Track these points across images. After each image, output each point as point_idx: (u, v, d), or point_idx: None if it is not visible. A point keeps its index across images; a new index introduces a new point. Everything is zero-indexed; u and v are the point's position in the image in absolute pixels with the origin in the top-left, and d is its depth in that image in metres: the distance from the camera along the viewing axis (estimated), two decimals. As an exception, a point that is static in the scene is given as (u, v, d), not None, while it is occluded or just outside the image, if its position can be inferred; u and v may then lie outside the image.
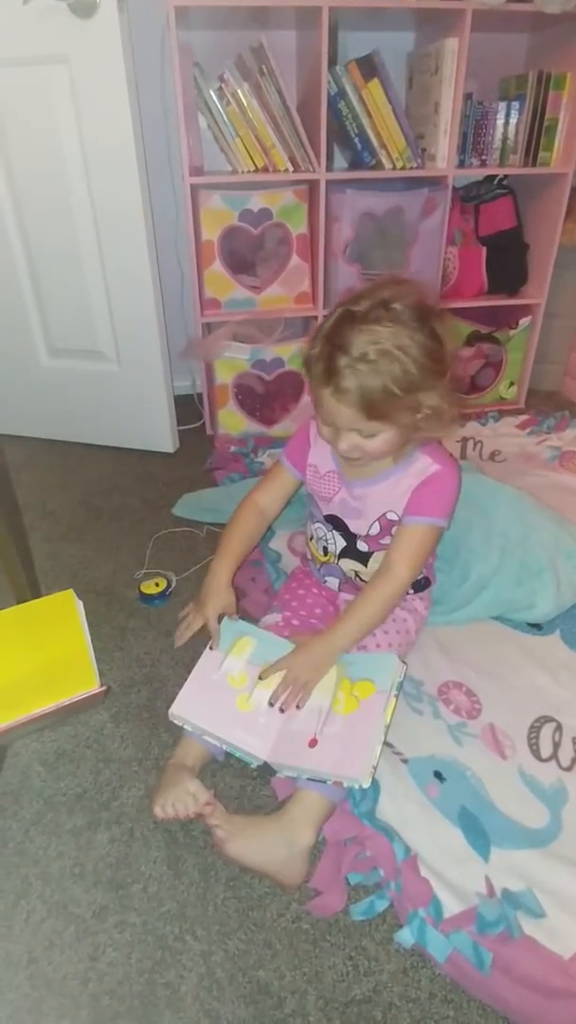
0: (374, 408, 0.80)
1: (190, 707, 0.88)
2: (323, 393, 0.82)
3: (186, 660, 1.08)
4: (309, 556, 1.12)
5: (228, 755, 0.91)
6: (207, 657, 0.95)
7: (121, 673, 1.10)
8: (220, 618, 0.98)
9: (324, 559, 1.06)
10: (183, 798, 0.81)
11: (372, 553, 1.00)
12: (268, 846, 0.78)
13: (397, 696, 0.86)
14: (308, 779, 0.82)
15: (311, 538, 1.09)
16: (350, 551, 1.02)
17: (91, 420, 1.83)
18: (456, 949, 0.71)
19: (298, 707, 0.89)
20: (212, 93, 1.52)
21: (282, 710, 0.89)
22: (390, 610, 0.97)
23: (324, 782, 0.80)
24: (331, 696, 0.89)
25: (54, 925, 0.76)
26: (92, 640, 1.05)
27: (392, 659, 0.90)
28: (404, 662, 0.91)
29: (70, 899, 0.79)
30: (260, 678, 0.92)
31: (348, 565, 1.04)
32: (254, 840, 0.78)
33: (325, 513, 1.02)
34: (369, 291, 0.82)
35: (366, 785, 0.78)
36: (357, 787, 0.78)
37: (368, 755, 0.80)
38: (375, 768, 0.79)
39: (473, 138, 1.69)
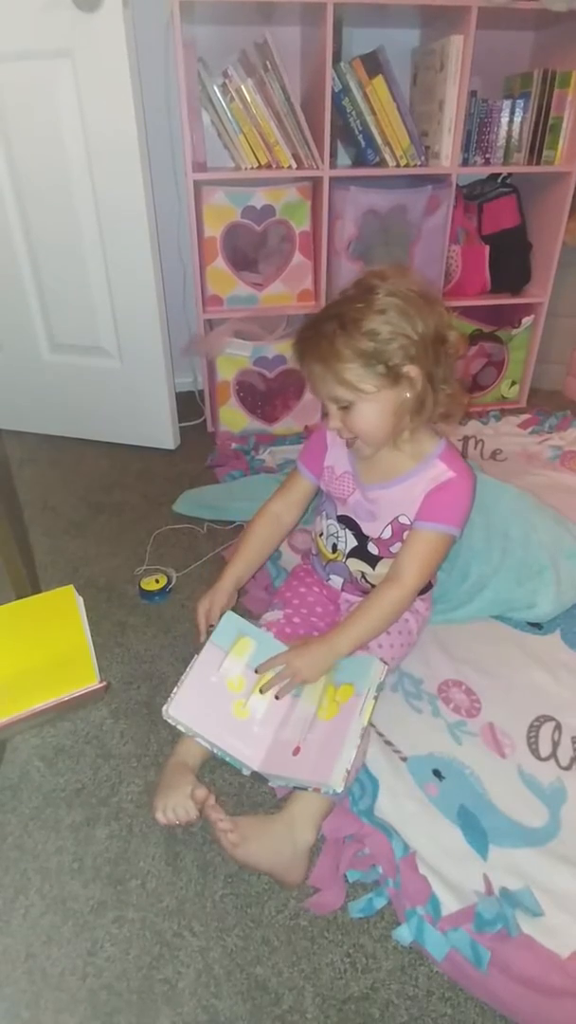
0: (328, 362, 0.82)
1: (186, 709, 0.87)
2: (310, 367, 0.85)
3: (186, 656, 1.08)
4: (315, 552, 1.12)
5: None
6: (206, 656, 0.94)
7: (121, 669, 1.10)
8: (211, 616, 1.00)
9: (332, 556, 1.06)
10: (184, 803, 0.81)
11: (381, 558, 1.00)
12: (275, 847, 0.77)
13: (376, 698, 0.85)
14: (296, 788, 0.81)
15: (320, 534, 1.08)
16: (360, 552, 1.02)
17: (92, 416, 1.82)
18: (454, 947, 0.71)
19: (276, 697, 0.90)
20: (216, 89, 1.52)
21: (277, 697, 0.90)
22: (396, 617, 0.96)
23: (306, 789, 0.79)
24: (316, 703, 0.89)
25: (52, 920, 0.76)
26: (92, 636, 1.05)
27: (372, 661, 0.89)
28: (384, 662, 0.90)
29: (69, 894, 0.79)
30: (257, 680, 0.92)
31: (356, 565, 1.03)
32: (263, 842, 0.77)
33: (339, 513, 1.02)
34: (360, 279, 0.87)
35: (339, 790, 0.76)
36: (331, 793, 0.76)
37: (341, 760, 0.78)
38: (349, 772, 0.77)
39: (477, 136, 1.69)
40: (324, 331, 0.82)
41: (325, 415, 0.91)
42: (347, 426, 0.88)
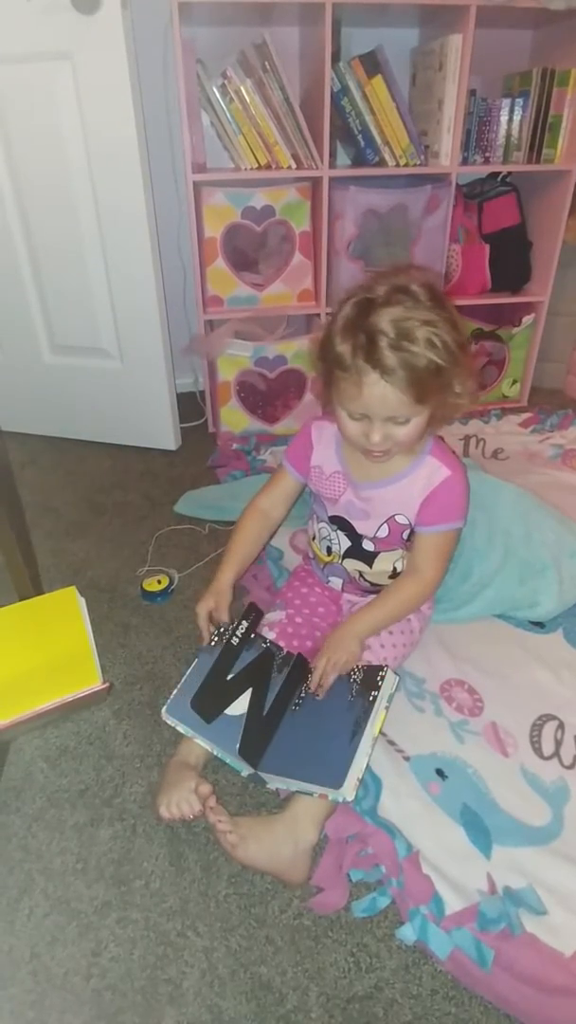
0: (422, 387, 0.79)
1: (183, 712, 0.88)
2: (368, 380, 0.79)
3: (188, 657, 1.09)
4: (312, 556, 1.12)
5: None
6: (201, 661, 0.95)
7: (123, 670, 1.10)
8: (213, 617, 0.99)
9: (328, 559, 1.06)
10: (187, 798, 0.81)
11: (378, 553, 1.00)
12: (275, 847, 0.78)
13: (387, 708, 0.85)
14: (296, 791, 0.81)
15: (314, 538, 1.08)
16: (355, 551, 1.02)
17: (93, 417, 1.83)
18: (458, 946, 0.71)
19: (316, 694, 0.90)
20: (215, 90, 1.52)
21: (317, 695, 0.90)
22: (414, 608, 0.99)
23: (311, 795, 0.79)
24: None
25: (56, 920, 0.77)
26: (94, 637, 1.05)
27: (385, 671, 0.89)
28: (397, 674, 0.90)
29: (73, 895, 0.79)
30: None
31: (352, 565, 1.03)
32: (263, 842, 0.77)
33: (330, 514, 1.02)
34: (378, 280, 0.82)
35: (350, 799, 0.77)
36: (342, 800, 0.77)
37: (353, 768, 0.78)
38: (360, 781, 0.78)
39: (477, 135, 1.68)
40: (417, 355, 0.77)
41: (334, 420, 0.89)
42: (393, 437, 0.85)
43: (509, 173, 1.81)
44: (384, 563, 1.00)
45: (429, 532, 0.95)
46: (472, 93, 1.62)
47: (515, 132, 1.69)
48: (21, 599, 1.12)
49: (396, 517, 0.96)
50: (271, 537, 1.10)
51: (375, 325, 0.77)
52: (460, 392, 0.85)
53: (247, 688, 0.91)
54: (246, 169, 1.60)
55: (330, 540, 1.04)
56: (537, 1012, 0.67)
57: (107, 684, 0.97)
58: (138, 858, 0.83)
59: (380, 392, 0.80)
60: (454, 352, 0.80)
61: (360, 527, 0.99)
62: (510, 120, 1.68)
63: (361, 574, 1.03)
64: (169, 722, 0.88)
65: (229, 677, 0.92)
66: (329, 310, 1.77)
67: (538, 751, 0.93)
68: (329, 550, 1.05)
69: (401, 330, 0.77)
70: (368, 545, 1.00)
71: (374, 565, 1.01)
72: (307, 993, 0.70)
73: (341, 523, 1.01)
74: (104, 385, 1.76)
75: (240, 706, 0.89)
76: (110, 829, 0.86)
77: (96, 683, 0.97)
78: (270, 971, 0.72)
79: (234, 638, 0.96)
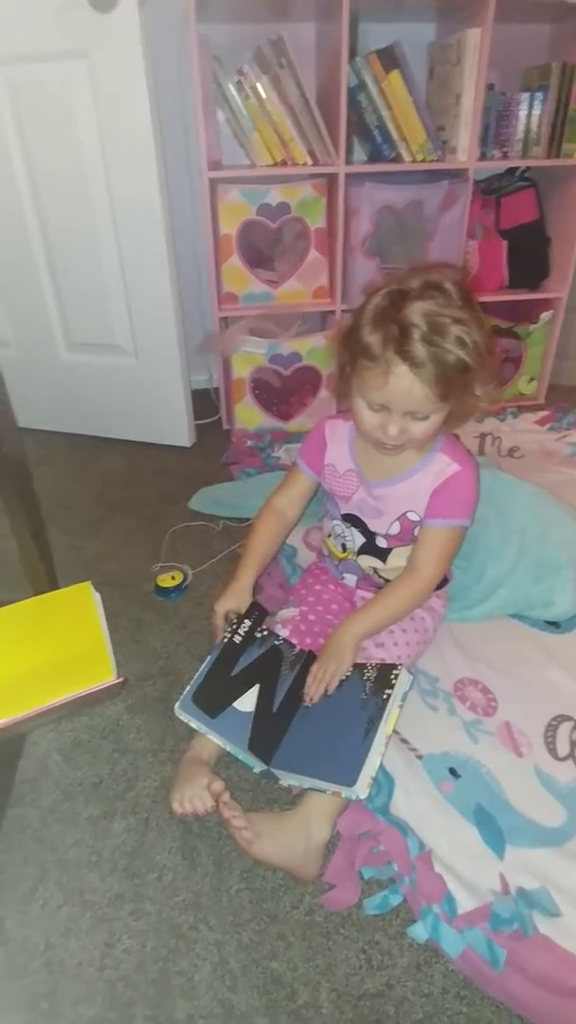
0: (448, 384, 0.79)
1: (194, 707, 0.89)
2: (397, 371, 0.78)
3: (202, 653, 1.09)
4: (326, 553, 1.12)
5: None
6: (213, 658, 0.95)
7: (137, 665, 1.11)
8: (228, 616, 0.99)
9: (342, 556, 1.06)
10: (200, 794, 0.82)
11: (392, 549, 1.00)
12: (288, 843, 0.78)
13: (401, 707, 0.85)
14: (308, 788, 0.81)
15: (328, 535, 1.08)
16: (369, 548, 1.01)
17: (108, 414, 1.84)
18: (470, 946, 0.70)
19: (327, 693, 0.89)
20: (231, 86, 1.52)
21: (327, 693, 0.89)
22: (413, 607, 0.97)
23: (323, 792, 0.79)
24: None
25: (70, 912, 0.77)
26: (108, 632, 1.06)
27: (399, 669, 0.89)
28: (410, 672, 0.89)
29: (86, 886, 0.80)
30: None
31: (367, 562, 1.03)
32: (276, 839, 0.78)
33: (343, 512, 1.01)
34: (411, 274, 0.81)
35: (363, 797, 0.77)
36: (354, 799, 0.77)
37: (367, 767, 0.78)
38: (373, 779, 0.78)
39: (495, 130, 1.67)
40: (448, 352, 0.77)
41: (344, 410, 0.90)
42: (409, 432, 0.85)
43: (527, 168, 1.79)
44: (398, 559, 1.00)
45: (433, 526, 0.94)
46: (490, 87, 1.61)
47: (534, 127, 1.67)
48: (37, 594, 1.13)
49: (408, 514, 0.95)
50: (287, 536, 1.10)
51: (408, 317, 0.77)
52: (480, 395, 0.84)
53: (254, 684, 0.91)
54: (261, 166, 1.60)
55: (344, 537, 1.04)
56: (549, 1013, 0.66)
57: (122, 679, 0.98)
58: (151, 851, 0.83)
59: (407, 385, 0.79)
60: (482, 353, 0.79)
61: (373, 524, 0.99)
62: (529, 114, 1.66)
63: (375, 570, 1.03)
64: (182, 718, 0.89)
65: (233, 673, 0.92)
66: (345, 307, 1.77)
67: (553, 752, 0.92)
68: (344, 547, 1.05)
69: (434, 325, 0.76)
70: (382, 542, 0.99)
71: (388, 561, 1.01)
72: (318, 989, 0.70)
73: (354, 520, 1.01)
74: (119, 382, 1.77)
75: (249, 702, 0.90)
76: (123, 822, 0.87)
77: (110, 678, 0.98)
78: (281, 966, 0.72)
79: (236, 636, 0.96)
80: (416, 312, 0.77)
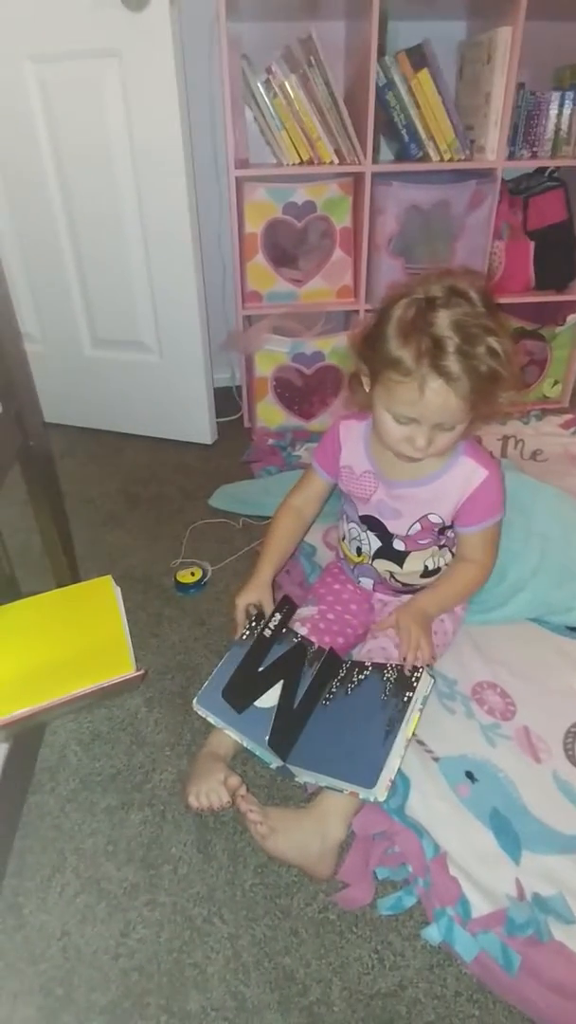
0: (480, 395, 0.79)
1: (215, 701, 0.89)
2: (431, 387, 0.77)
3: (220, 649, 1.10)
4: (342, 556, 1.12)
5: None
6: (233, 653, 0.96)
7: (155, 659, 1.12)
8: (249, 611, 0.99)
9: (357, 560, 1.06)
10: (217, 789, 0.82)
11: (409, 553, 0.99)
12: (304, 841, 0.78)
13: (422, 710, 0.84)
14: (325, 787, 0.81)
15: (343, 538, 1.08)
16: (385, 551, 1.01)
17: (132, 410, 1.86)
18: (484, 949, 0.70)
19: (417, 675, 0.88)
20: (259, 85, 1.52)
21: (412, 670, 0.87)
22: (475, 591, 1.02)
23: (340, 792, 0.79)
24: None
25: (87, 900, 0.79)
26: (128, 626, 1.07)
27: (420, 673, 0.88)
28: (432, 676, 0.88)
29: (103, 875, 0.81)
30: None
31: (383, 566, 1.03)
32: (292, 836, 0.78)
33: (361, 514, 1.01)
34: (432, 279, 0.80)
35: (381, 800, 0.76)
36: (372, 800, 0.77)
37: (386, 769, 0.78)
38: (392, 782, 0.77)
39: (524, 129, 1.65)
40: (481, 363, 0.76)
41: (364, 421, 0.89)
42: (434, 442, 0.84)
43: (557, 168, 1.76)
44: (414, 563, 1.00)
45: (475, 531, 0.97)
46: (520, 86, 1.59)
47: (564, 126, 1.65)
48: (59, 586, 1.15)
49: (429, 516, 0.95)
50: (305, 534, 1.11)
51: (440, 330, 0.75)
52: (502, 401, 0.83)
53: (278, 681, 0.91)
54: (288, 164, 1.60)
55: (360, 540, 1.03)
56: (563, 1019, 0.66)
57: (142, 672, 0.99)
58: (167, 843, 0.84)
59: (442, 399, 0.78)
60: (512, 364, 0.78)
61: (392, 526, 0.98)
62: (559, 114, 1.63)
63: (392, 575, 1.03)
64: (200, 713, 0.89)
65: (260, 669, 0.93)
66: (368, 307, 1.76)
67: (572, 758, 0.91)
68: (359, 551, 1.05)
69: (466, 336, 0.75)
70: (399, 544, 0.99)
71: (404, 565, 1.01)
72: (330, 986, 0.71)
73: (372, 523, 1.00)
74: (143, 379, 1.78)
75: (271, 698, 0.90)
76: (140, 814, 0.88)
77: (130, 670, 0.98)
78: (294, 962, 0.73)
79: (267, 630, 0.96)
80: (446, 323, 0.75)
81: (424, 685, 0.86)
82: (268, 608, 1.00)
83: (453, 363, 0.75)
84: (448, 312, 0.76)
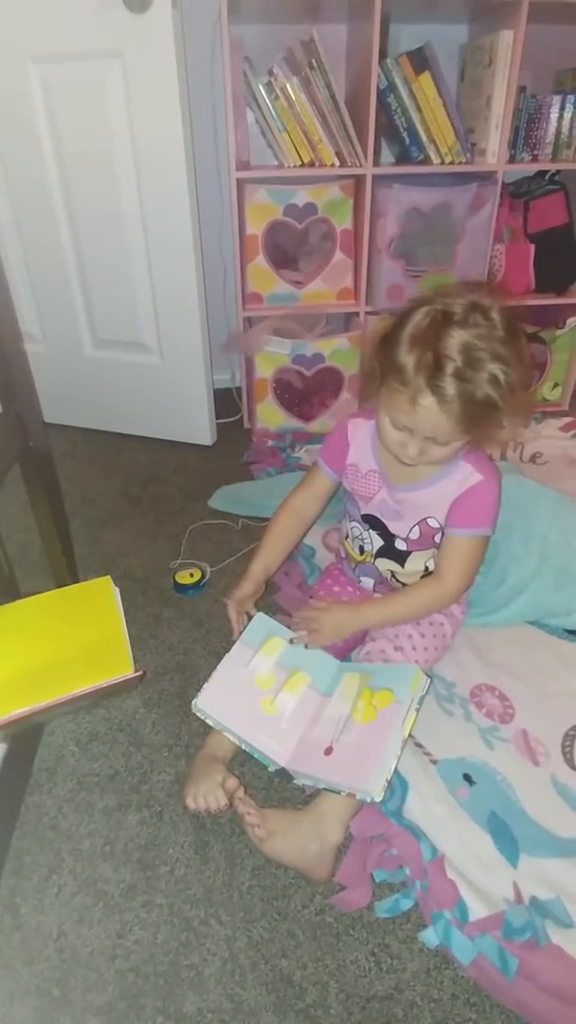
0: (474, 420, 0.78)
1: (214, 702, 0.89)
2: (424, 402, 0.77)
3: (219, 650, 1.10)
4: (344, 555, 1.12)
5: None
6: (235, 652, 0.95)
7: (154, 660, 1.12)
8: (240, 613, 1.00)
9: (360, 558, 1.06)
10: (214, 791, 0.82)
11: (410, 553, 0.99)
12: (302, 844, 0.78)
13: (418, 710, 0.84)
14: (323, 789, 0.81)
15: (346, 537, 1.08)
16: (387, 551, 1.01)
17: (131, 411, 1.86)
18: (481, 953, 0.70)
19: (305, 647, 0.93)
20: (261, 87, 1.53)
21: (291, 642, 0.93)
22: (430, 612, 0.98)
23: (338, 793, 0.79)
24: (351, 705, 0.88)
25: (84, 901, 0.78)
26: (127, 627, 1.07)
27: (416, 672, 0.88)
28: (428, 676, 0.89)
29: (100, 876, 0.81)
30: (287, 678, 0.92)
31: (384, 565, 1.03)
32: (290, 838, 0.78)
33: (363, 512, 1.01)
34: (456, 293, 0.78)
35: (378, 800, 0.76)
36: (369, 800, 0.77)
37: (382, 769, 0.78)
38: (388, 782, 0.77)
39: (525, 132, 1.65)
40: (478, 389, 0.75)
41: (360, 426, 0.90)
42: (428, 454, 0.84)
43: (558, 171, 1.77)
44: (416, 563, 1.00)
45: (456, 535, 0.94)
46: (522, 90, 1.59)
47: (565, 129, 1.65)
48: (58, 586, 1.14)
49: (428, 520, 0.95)
50: (305, 534, 1.10)
51: (445, 348, 0.74)
52: (506, 427, 0.83)
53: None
54: (289, 166, 1.60)
55: (362, 539, 1.03)
56: (560, 1023, 0.66)
57: (140, 672, 0.98)
58: (164, 845, 0.84)
59: (433, 416, 0.78)
60: (515, 392, 0.77)
61: (393, 527, 0.98)
62: (560, 117, 1.64)
63: (393, 574, 1.03)
64: (199, 715, 0.89)
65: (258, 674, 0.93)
66: (369, 309, 1.76)
67: (570, 762, 0.91)
68: (361, 549, 1.05)
69: (470, 359, 0.74)
70: (401, 545, 0.99)
71: (406, 565, 1.01)
72: (327, 989, 0.70)
73: (373, 522, 1.00)
74: (143, 379, 1.79)
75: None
76: (137, 815, 0.88)
77: (129, 671, 0.98)
78: (291, 964, 0.72)
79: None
80: (455, 342, 0.74)
81: (420, 686, 0.86)
82: (249, 602, 1.00)
83: (448, 384, 0.75)
84: (461, 331, 0.75)
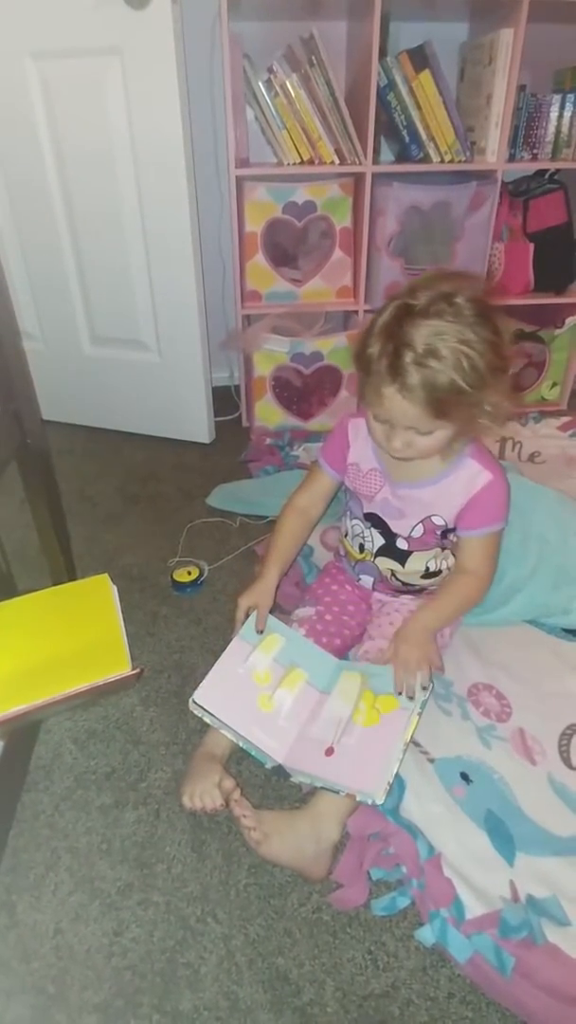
0: (440, 405, 0.78)
1: (212, 697, 0.88)
2: (387, 391, 0.78)
3: (216, 648, 1.09)
4: (343, 553, 1.12)
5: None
6: (233, 649, 0.95)
7: (151, 658, 1.12)
8: (249, 612, 0.99)
9: (360, 557, 1.06)
10: (211, 791, 0.82)
11: (411, 552, 0.99)
12: (298, 843, 0.78)
13: (420, 714, 0.84)
14: (321, 787, 0.81)
15: (346, 535, 1.08)
16: (388, 550, 1.01)
17: (130, 409, 1.85)
18: (478, 951, 0.70)
19: (424, 688, 0.86)
20: (261, 84, 1.52)
21: (410, 697, 0.86)
22: (474, 605, 0.99)
23: (337, 793, 0.79)
24: (352, 706, 0.88)
25: (80, 898, 0.78)
26: (124, 625, 1.06)
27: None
28: (431, 681, 0.88)
29: (97, 874, 0.81)
30: (284, 675, 0.92)
31: (385, 564, 1.03)
32: (286, 839, 0.78)
33: (366, 511, 1.01)
34: (426, 284, 0.79)
35: (380, 802, 0.76)
36: (371, 803, 0.77)
37: (385, 772, 0.78)
38: (390, 785, 0.78)
39: (525, 131, 1.65)
40: (440, 374, 0.75)
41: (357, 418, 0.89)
42: (414, 445, 0.85)
43: (557, 171, 1.76)
44: (416, 563, 1.00)
45: (475, 536, 0.95)
46: (522, 88, 1.59)
47: (565, 128, 1.65)
48: (55, 584, 1.14)
49: (432, 518, 0.95)
50: (310, 535, 1.10)
51: (405, 336, 0.76)
52: (491, 411, 0.83)
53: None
54: (289, 164, 1.60)
55: (363, 537, 1.03)
56: (556, 1022, 0.66)
57: (138, 670, 0.98)
58: (161, 843, 0.84)
59: (399, 405, 0.79)
60: (483, 375, 0.77)
61: (395, 526, 0.98)
62: (560, 116, 1.63)
63: (393, 573, 1.02)
64: (196, 712, 0.89)
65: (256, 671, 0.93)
66: (368, 307, 1.76)
67: (567, 761, 0.91)
68: (362, 547, 1.04)
69: (429, 347, 0.75)
70: (402, 544, 0.99)
71: (407, 564, 1.00)
72: (323, 987, 0.71)
73: (375, 520, 1.00)
74: (141, 377, 1.78)
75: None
76: (134, 813, 0.88)
77: (126, 669, 0.98)
78: (287, 962, 0.73)
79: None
80: (417, 331, 0.75)
81: (423, 691, 0.86)
82: (264, 612, 0.98)
83: (407, 372, 0.76)
84: (423, 320, 0.75)
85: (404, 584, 1.03)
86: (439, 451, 0.89)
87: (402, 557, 1.00)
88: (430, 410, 0.78)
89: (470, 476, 0.92)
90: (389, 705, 0.86)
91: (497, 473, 0.92)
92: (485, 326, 0.77)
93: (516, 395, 0.87)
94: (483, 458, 0.92)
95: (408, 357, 0.75)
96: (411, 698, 0.86)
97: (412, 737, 0.83)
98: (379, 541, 1.01)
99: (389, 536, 0.99)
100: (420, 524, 0.96)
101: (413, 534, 0.97)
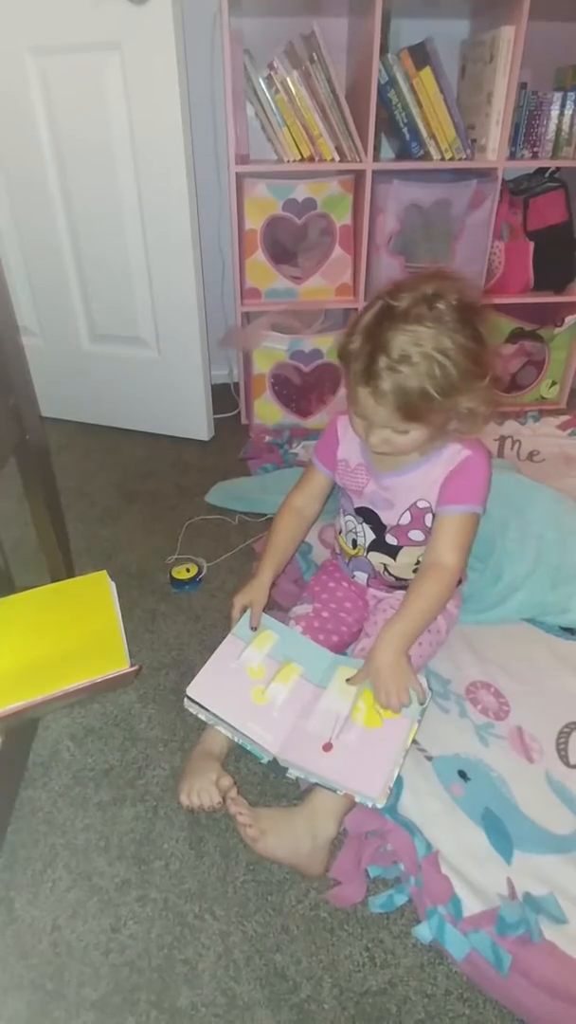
0: (410, 410, 0.80)
1: (206, 691, 0.89)
2: (361, 392, 0.81)
3: (215, 646, 1.09)
4: (338, 550, 1.12)
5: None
6: (227, 644, 0.96)
7: (150, 655, 1.12)
8: (244, 610, 0.99)
9: (353, 552, 1.06)
10: (208, 788, 0.82)
11: (401, 547, 0.99)
12: (295, 840, 0.78)
13: (420, 722, 0.85)
14: (316, 783, 0.81)
15: (340, 531, 1.08)
16: (379, 544, 1.01)
17: (129, 406, 1.85)
18: (475, 948, 0.70)
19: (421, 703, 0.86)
20: (261, 81, 1.52)
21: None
22: (445, 601, 0.94)
23: (335, 791, 0.79)
24: (351, 703, 0.88)
25: (78, 895, 0.78)
26: (123, 622, 1.06)
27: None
28: (430, 688, 0.89)
29: (94, 871, 0.81)
30: (279, 669, 0.92)
31: (377, 559, 1.03)
32: (282, 836, 0.78)
33: (357, 506, 1.01)
34: (412, 284, 0.80)
35: (380, 805, 0.77)
36: (371, 805, 0.77)
37: (387, 775, 0.78)
38: (391, 788, 0.78)
39: (526, 129, 1.65)
40: (410, 379, 0.76)
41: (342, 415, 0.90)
42: (391, 442, 0.86)
43: (558, 169, 1.76)
44: (408, 556, 1.00)
45: (448, 513, 0.92)
46: (523, 86, 1.59)
47: (565, 127, 1.65)
48: (54, 581, 1.14)
49: (418, 502, 0.95)
50: (306, 534, 1.10)
51: (382, 340, 0.77)
52: (469, 411, 0.83)
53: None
54: (289, 161, 1.60)
55: (355, 533, 1.04)
56: (553, 1019, 0.66)
57: (136, 667, 0.98)
58: (159, 839, 0.84)
59: (371, 405, 0.81)
60: (455, 383, 0.78)
61: (385, 517, 0.99)
62: (561, 114, 1.63)
63: (386, 567, 1.03)
64: (191, 708, 0.89)
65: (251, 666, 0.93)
66: (367, 304, 1.76)
67: (564, 759, 0.91)
68: (354, 543, 1.05)
69: (404, 353, 0.76)
70: (391, 539, 0.99)
71: (398, 558, 1.01)
72: (321, 984, 0.71)
73: (367, 514, 1.00)
74: (140, 374, 1.78)
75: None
76: (132, 809, 0.88)
77: (124, 666, 0.98)
78: (285, 959, 0.73)
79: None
80: (393, 335, 0.76)
81: (419, 705, 0.86)
82: (258, 609, 0.99)
83: (380, 376, 0.77)
84: (401, 325, 0.76)
85: (397, 579, 1.03)
86: (417, 449, 0.89)
87: (392, 552, 1.00)
88: (400, 414, 0.80)
89: (451, 454, 0.92)
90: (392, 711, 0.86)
91: (477, 452, 0.92)
92: (464, 332, 0.77)
93: (496, 400, 0.87)
94: (468, 441, 0.92)
95: (382, 362, 0.77)
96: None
97: (413, 742, 0.84)
98: (371, 536, 1.01)
99: (379, 530, 1.00)
100: (408, 511, 0.96)
101: (402, 522, 0.97)
